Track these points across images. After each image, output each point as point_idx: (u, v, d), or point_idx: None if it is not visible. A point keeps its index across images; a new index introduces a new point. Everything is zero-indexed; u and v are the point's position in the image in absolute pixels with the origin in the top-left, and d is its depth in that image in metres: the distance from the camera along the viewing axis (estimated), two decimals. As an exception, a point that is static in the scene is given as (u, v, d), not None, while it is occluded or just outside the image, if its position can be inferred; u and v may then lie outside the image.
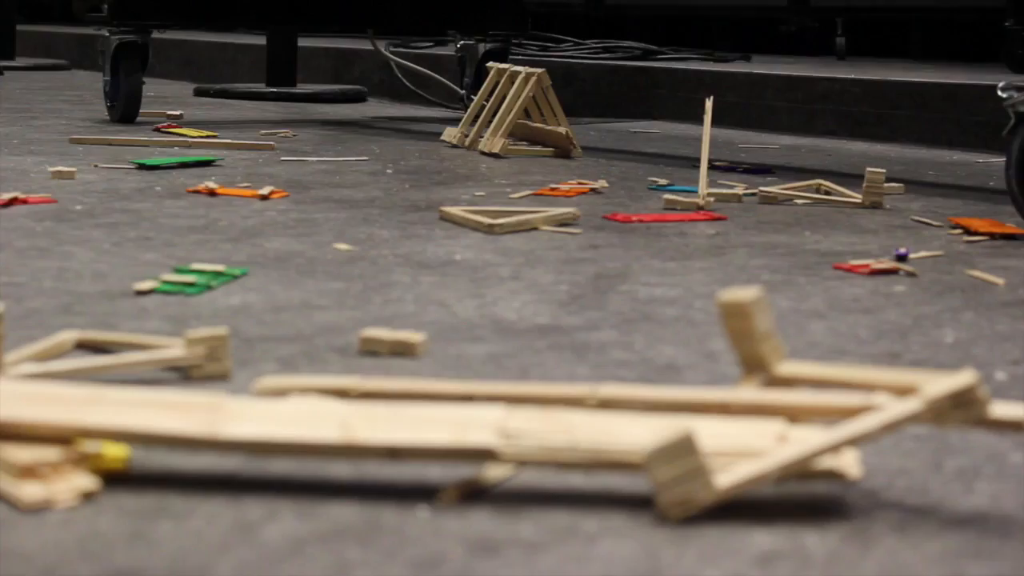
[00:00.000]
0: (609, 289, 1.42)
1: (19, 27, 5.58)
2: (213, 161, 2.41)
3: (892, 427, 0.80)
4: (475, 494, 0.82)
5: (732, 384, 1.06)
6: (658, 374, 1.10)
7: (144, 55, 3.15)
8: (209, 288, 1.36)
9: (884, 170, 2.11)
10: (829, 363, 1.14)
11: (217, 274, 1.41)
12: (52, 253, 1.52)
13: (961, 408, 0.79)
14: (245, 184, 2.13)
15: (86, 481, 0.80)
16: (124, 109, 3.14)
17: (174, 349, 1.05)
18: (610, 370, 1.11)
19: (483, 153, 2.67)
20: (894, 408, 0.80)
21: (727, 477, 0.78)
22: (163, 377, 1.05)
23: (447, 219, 1.83)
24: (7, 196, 1.86)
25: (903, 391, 0.85)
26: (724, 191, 2.10)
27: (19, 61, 5.38)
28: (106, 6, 3.16)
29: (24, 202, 1.86)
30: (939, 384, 0.80)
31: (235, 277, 1.41)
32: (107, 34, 3.15)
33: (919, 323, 1.30)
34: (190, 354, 1.04)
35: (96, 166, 2.31)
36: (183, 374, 1.05)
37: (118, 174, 2.22)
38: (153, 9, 3.18)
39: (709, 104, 2.21)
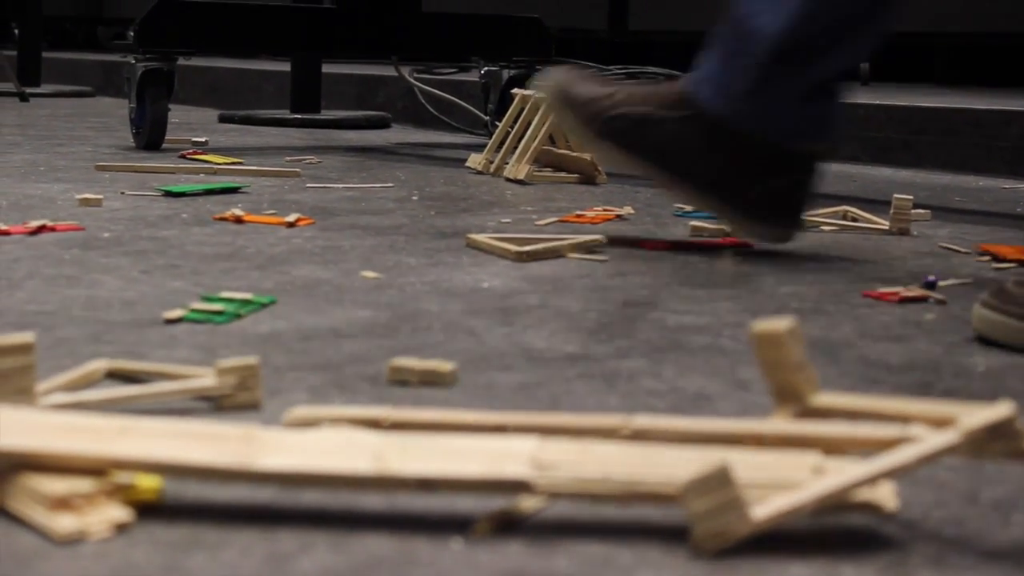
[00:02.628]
0: (637, 317, 1.42)
1: (44, 54, 5.61)
2: (239, 188, 2.41)
3: (929, 459, 0.79)
4: (509, 526, 0.81)
5: (764, 414, 1.06)
6: (689, 404, 1.10)
7: (169, 82, 3.16)
8: (238, 316, 1.36)
9: (911, 196, 2.10)
10: (860, 392, 1.13)
11: (245, 302, 1.41)
12: (80, 281, 1.52)
13: (999, 440, 0.78)
14: (271, 211, 2.14)
15: (119, 513, 0.80)
16: (150, 136, 3.16)
17: (205, 379, 1.05)
18: (641, 399, 1.11)
19: (508, 180, 2.68)
20: (931, 440, 0.80)
21: (763, 509, 0.78)
22: (194, 406, 1.05)
23: (473, 246, 1.83)
24: (35, 224, 1.86)
25: (939, 423, 0.84)
26: (750, 218, 2.10)
27: (44, 87, 5.41)
28: (131, 33, 3.17)
29: (52, 229, 1.87)
30: (976, 416, 0.79)
31: (263, 305, 1.41)
32: (133, 61, 3.16)
33: (950, 352, 1.30)
34: (221, 383, 1.04)
35: (123, 193, 2.31)
36: (214, 404, 1.05)
37: (144, 201, 2.23)
38: (178, 37, 3.20)
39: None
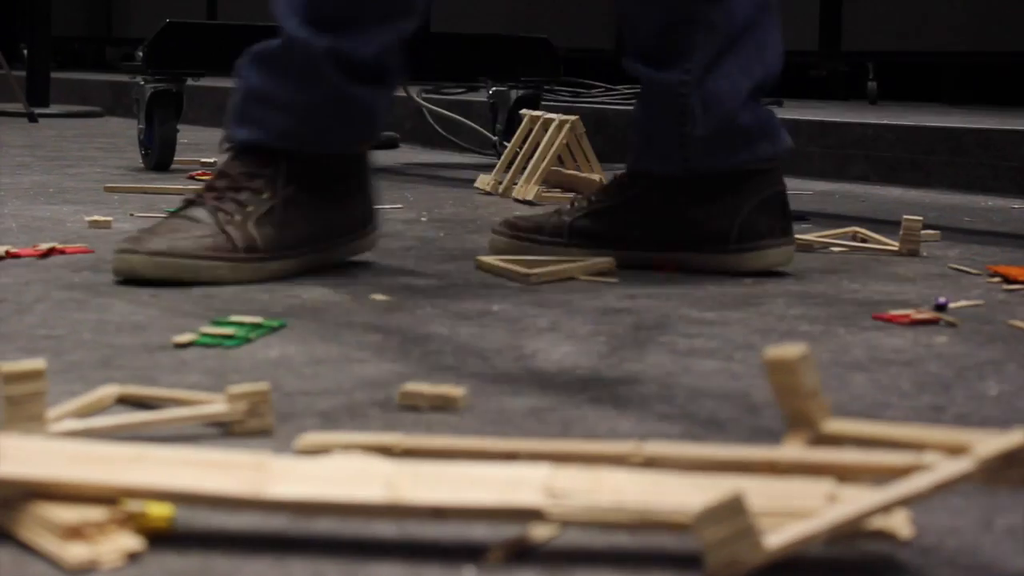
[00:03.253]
0: (648, 340, 1.41)
1: (53, 74, 5.62)
2: (248, 209, 2.41)
3: (944, 487, 0.79)
4: (521, 554, 0.81)
5: (776, 439, 1.05)
6: (701, 429, 1.10)
7: (178, 103, 3.16)
8: (248, 340, 1.36)
9: (921, 217, 2.10)
10: (872, 417, 1.13)
11: (255, 326, 1.41)
12: (90, 305, 1.52)
13: (1014, 468, 0.78)
14: (280, 233, 2.13)
15: (131, 541, 0.79)
16: (159, 157, 3.16)
17: (216, 405, 1.05)
18: (652, 424, 1.10)
19: (517, 200, 2.67)
20: (945, 467, 0.79)
21: (776, 538, 0.77)
22: (204, 433, 1.05)
23: (483, 269, 1.82)
24: (45, 246, 1.86)
25: (954, 450, 0.84)
26: (760, 239, 2.09)
27: (53, 108, 5.41)
28: (140, 54, 3.18)
29: (62, 252, 1.87)
30: (991, 443, 0.79)
31: (273, 329, 1.41)
32: (142, 82, 3.17)
33: (962, 375, 1.29)
34: (232, 410, 1.04)
35: (132, 215, 2.31)
36: (225, 430, 1.05)
37: (154, 223, 2.22)
38: (187, 57, 3.20)
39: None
